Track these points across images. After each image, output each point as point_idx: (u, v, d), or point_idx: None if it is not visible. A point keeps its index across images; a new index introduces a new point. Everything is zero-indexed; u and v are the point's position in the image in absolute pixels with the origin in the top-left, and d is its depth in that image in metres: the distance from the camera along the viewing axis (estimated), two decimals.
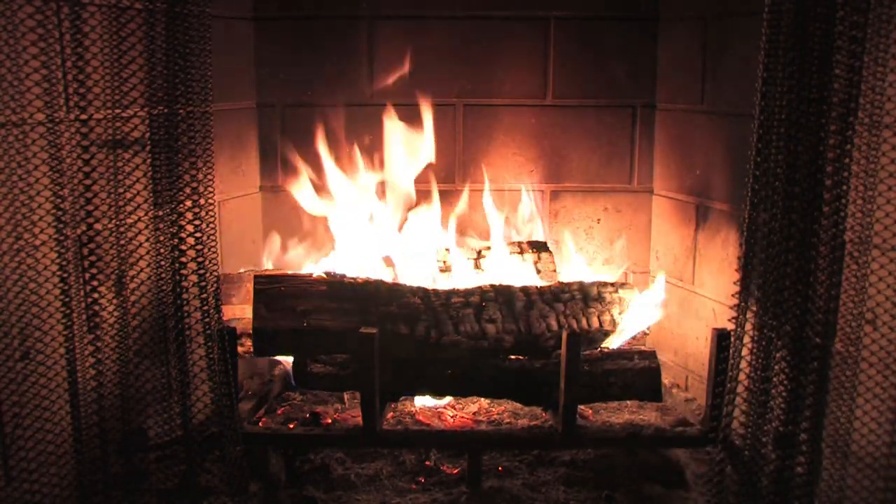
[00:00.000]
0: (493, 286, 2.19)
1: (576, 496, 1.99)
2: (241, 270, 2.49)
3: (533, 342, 2.12)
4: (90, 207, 1.64)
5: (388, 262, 2.47)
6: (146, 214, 1.78)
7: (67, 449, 1.63)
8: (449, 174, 2.77)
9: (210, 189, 1.85)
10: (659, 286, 2.37)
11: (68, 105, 1.62)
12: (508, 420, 2.35)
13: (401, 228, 2.64)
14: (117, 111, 1.71)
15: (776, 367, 1.67)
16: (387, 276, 2.41)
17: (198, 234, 1.82)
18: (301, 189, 2.66)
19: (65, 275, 1.59)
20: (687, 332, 2.60)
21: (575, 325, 2.13)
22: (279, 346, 2.10)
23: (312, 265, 2.56)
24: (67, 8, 1.61)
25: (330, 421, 2.31)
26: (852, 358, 1.57)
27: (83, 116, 1.62)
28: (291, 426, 2.24)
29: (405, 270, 2.44)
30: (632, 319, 2.21)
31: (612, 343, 2.20)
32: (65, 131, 1.60)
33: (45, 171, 1.57)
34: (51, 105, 1.57)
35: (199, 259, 1.82)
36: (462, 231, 2.70)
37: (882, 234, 1.52)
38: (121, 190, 1.73)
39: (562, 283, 2.27)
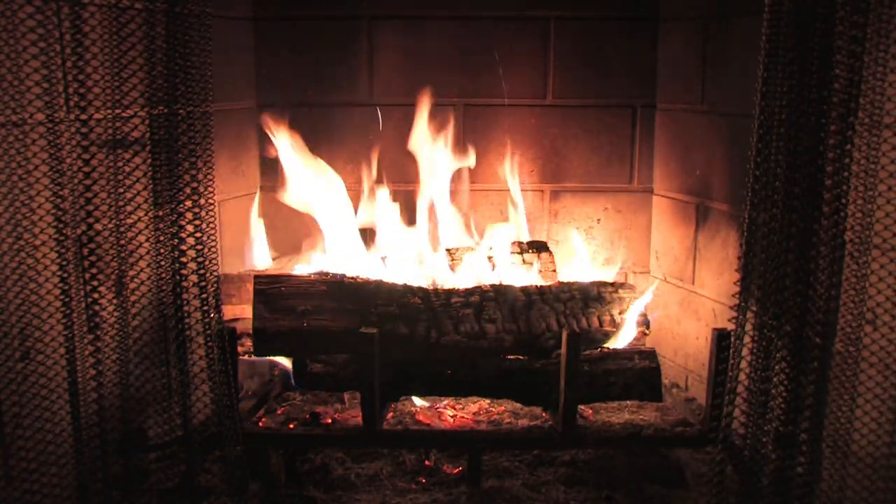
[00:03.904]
0: (493, 286, 2.19)
1: (576, 496, 1.99)
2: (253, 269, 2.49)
3: (533, 342, 2.12)
4: (90, 207, 1.64)
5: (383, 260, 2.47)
6: (146, 214, 1.78)
7: (67, 449, 1.63)
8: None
9: (210, 189, 1.85)
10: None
11: (68, 105, 1.62)
12: (508, 420, 2.35)
13: (400, 229, 2.64)
14: (117, 111, 1.71)
15: (776, 367, 1.67)
16: (390, 275, 2.41)
17: (198, 234, 1.82)
18: (299, 189, 2.65)
19: (65, 275, 1.58)
20: (687, 332, 2.60)
21: (575, 325, 2.13)
22: (279, 346, 2.09)
23: (312, 266, 2.56)
24: (67, 8, 1.61)
25: (330, 421, 2.31)
26: (852, 358, 1.57)
27: (83, 116, 1.62)
28: (291, 426, 2.24)
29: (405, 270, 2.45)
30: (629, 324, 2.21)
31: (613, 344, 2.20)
32: (65, 131, 1.60)
33: (45, 171, 1.57)
34: (51, 105, 1.57)
35: (199, 259, 1.82)
36: (461, 231, 2.70)
37: (882, 234, 1.52)
38: (121, 190, 1.73)
39: (562, 283, 2.28)
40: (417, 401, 2.41)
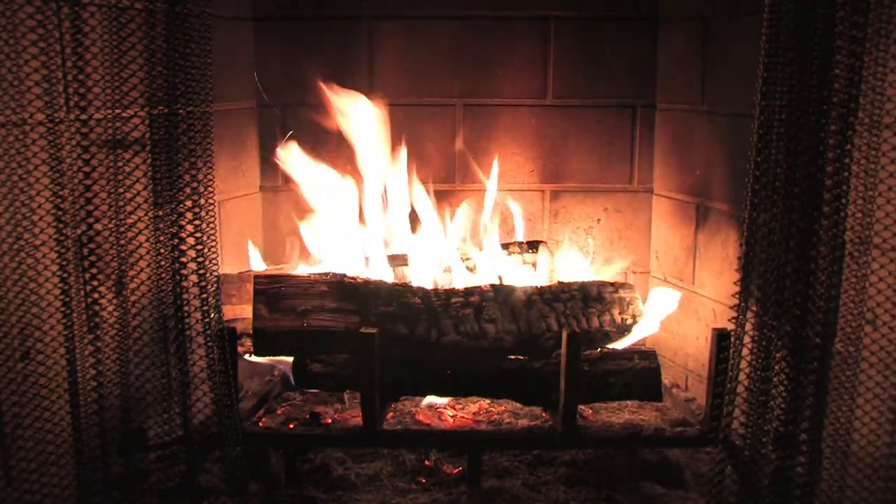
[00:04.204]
0: (493, 286, 2.19)
1: (576, 496, 1.99)
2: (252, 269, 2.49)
3: (533, 342, 2.12)
4: (90, 207, 1.64)
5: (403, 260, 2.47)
6: (146, 214, 1.78)
7: (67, 449, 1.63)
8: (449, 174, 2.77)
9: (210, 189, 1.85)
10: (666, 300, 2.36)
11: (68, 105, 1.61)
12: (508, 420, 2.35)
13: (400, 229, 2.64)
14: (117, 111, 1.71)
15: (776, 367, 1.67)
16: (389, 275, 2.41)
17: (198, 234, 1.82)
18: (300, 190, 2.66)
19: (65, 275, 1.58)
20: (687, 332, 2.60)
21: (575, 325, 2.13)
22: (279, 346, 2.10)
23: (312, 266, 2.56)
24: (67, 8, 1.61)
25: (330, 421, 2.31)
26: (852, 358, 1.57)
27: (83, 116, 1.62)
28: (291, 426, 2.24)
29: (411, 270, 2.45)
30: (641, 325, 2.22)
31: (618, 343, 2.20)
32: (65, 131, 1.60)
33: (45, 171, 1.56)
34: (51, 105, 1.56)
35: (199, 259, 1.82)
36: (462, 231, 2.70)
37: (882, 234, 1.52)
38: (121, 190, 1.73)
39: (562, 283, 2.27)
40: (434, 399, 2.40)
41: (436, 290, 2.16)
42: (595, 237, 2.82)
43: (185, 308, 1.82)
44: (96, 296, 1.66)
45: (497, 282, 2.33)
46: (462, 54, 2.73)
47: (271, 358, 2.26)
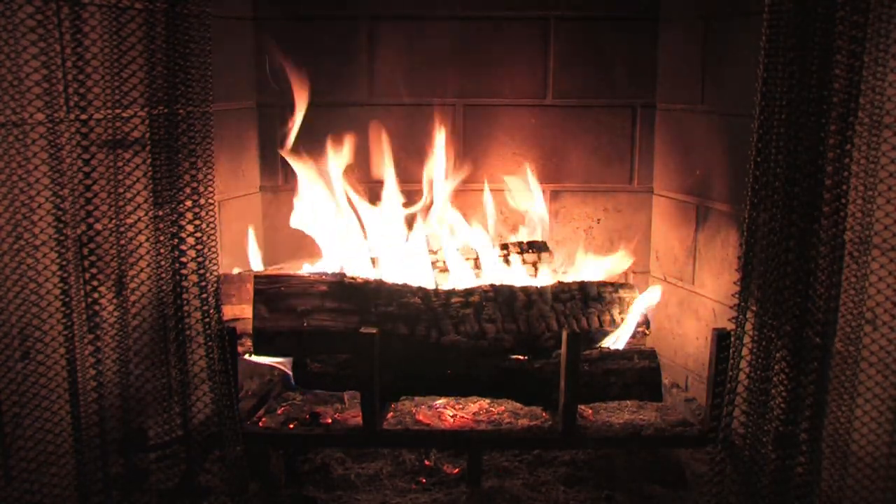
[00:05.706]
0: (492, 286, 2.19)
1: (576, 496, 1.99)
2: (243, 270, 2.49)
3: (533, 342, 2.12)
4: (90, 207, 1.64)
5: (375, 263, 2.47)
6: (146, 214, 1.78)
7: (67, 449, 1.63)
8: (449, 175, 2.77)
9: (210, 189, 1.85)
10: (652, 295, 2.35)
11: (68, 105, 1.62)
12: (508, 420, 2.35)
13: (400, 229, 2.63)
14: (117, 111, 1.71)
15: (776, 367, 1.67)
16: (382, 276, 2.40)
17: (198, 234, 1.82)
18: (301, 189, 2.65)
19: (65, 275, 1.58)
20: (687, 332, 2.60)
21: (575, 325, 2.13)
22: (279, 346, 2.10)
23: (311, 266, 2.56)
24: (67, 8, 1.61)
25: (330, 421, 2.31)
26: (852, 358, 1.57)
27: (83, 116, 1.62)
28: (291, 426, 2.24)
29: (403, 270, 2.44)
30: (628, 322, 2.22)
31: (608, 344, 2.20)
32: (65, 131, 1.60)
33: (45, 171, 1.57)
34: (51, 105, 1.57)
35: (199, 259, 1.82)
36: (462, 231, 2.70)
37: (882, 234, 1.53)
38: (121, 190, 1.73)
39: (562, 283, 2.27)
40: (418, 401, 2.40)
41: (436, 290, 2.16)
42: (595, 237, 2.82)
43: (185, 308, 1.82)
44: (96, 296, 1.66)
45: (497, 282, 2.33)
46: (462, 54, 2.73)
47: (271, 358, 2.27)
